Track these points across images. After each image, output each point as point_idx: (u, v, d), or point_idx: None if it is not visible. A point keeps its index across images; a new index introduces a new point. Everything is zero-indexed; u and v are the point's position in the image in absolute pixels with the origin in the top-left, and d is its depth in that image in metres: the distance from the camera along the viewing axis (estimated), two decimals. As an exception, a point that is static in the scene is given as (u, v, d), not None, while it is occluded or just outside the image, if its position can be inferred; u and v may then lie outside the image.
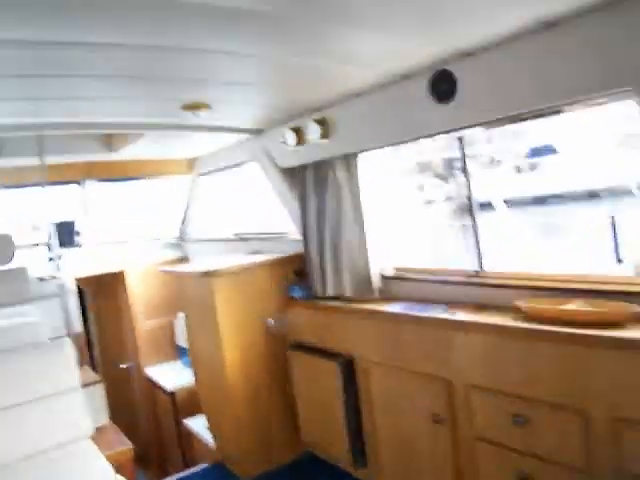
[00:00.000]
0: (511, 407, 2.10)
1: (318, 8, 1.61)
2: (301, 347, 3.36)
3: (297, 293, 3.48)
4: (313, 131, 3.02)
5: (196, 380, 3.76)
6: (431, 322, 2.47)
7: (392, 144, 2.80)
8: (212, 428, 3.64)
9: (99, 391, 3.63)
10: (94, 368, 4.07)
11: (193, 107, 2.67)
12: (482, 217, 2.80)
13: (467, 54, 2.17)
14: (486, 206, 3.88)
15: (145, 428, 5.18)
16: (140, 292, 4.89)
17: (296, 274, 3.54)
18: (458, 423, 2.38)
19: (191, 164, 4.81)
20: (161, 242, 5.32)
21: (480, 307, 2.44)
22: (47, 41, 1.68)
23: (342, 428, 3.01)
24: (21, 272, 2.88)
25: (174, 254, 5.26)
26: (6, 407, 2.84)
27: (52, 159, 3.75)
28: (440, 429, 2.45)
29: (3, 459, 2.72)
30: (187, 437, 4.10)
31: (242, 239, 4.42)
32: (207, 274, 3.25)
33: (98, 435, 3.29)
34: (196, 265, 3.85)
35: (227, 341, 3.25)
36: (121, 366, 5.21)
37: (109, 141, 3.96)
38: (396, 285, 3.02)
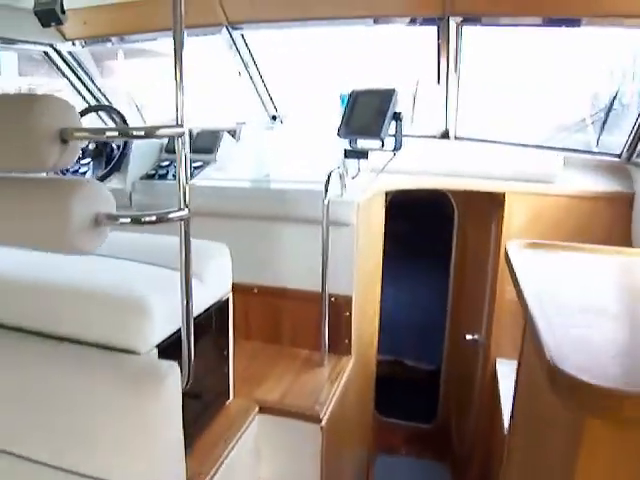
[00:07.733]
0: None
1: None
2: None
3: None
4: None
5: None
6: None
7: None
8: None
9: None
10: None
11: None
12: None
13: None
14: None
15: None
16: (523, 228, 2.81)
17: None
18: None
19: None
20: (583, 158, 2.92)
21: None
22: None
23: None
24: None
25: (610, 185, 2.81)
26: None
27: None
28: None
29: None
30: None
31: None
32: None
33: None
34: None
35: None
36: (467, 337, 3.40)
37: None
38: None
